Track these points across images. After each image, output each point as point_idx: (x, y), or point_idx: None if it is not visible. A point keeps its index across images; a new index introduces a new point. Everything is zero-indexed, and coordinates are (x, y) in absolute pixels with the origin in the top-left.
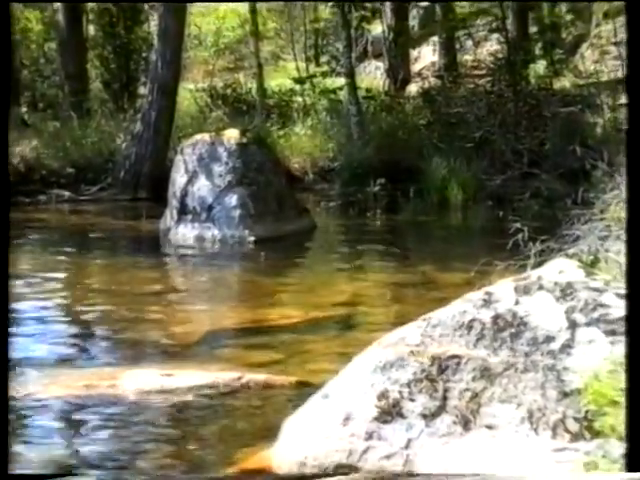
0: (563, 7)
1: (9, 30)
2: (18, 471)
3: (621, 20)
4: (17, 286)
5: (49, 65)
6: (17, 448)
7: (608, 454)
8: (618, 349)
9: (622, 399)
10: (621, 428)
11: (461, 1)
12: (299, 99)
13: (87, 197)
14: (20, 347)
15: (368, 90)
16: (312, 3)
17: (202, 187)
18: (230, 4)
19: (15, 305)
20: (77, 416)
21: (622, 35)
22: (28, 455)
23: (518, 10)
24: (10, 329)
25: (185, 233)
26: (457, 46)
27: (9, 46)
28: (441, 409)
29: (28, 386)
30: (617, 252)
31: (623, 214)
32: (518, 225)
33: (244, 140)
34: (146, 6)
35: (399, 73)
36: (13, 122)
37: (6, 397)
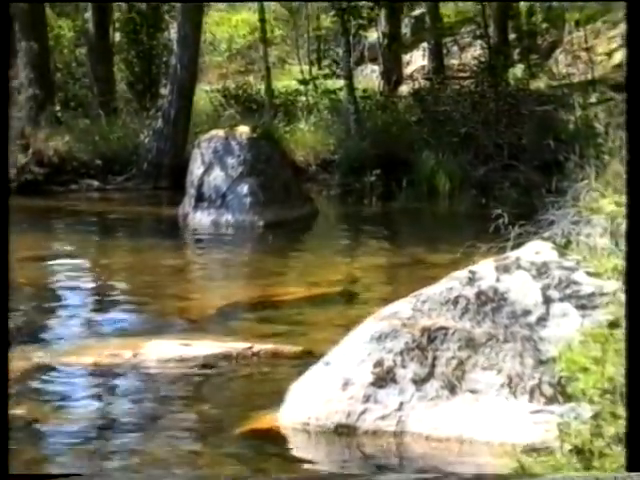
0: (539, 16)
1: (8, 30)
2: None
3: (590, 27)
4: (51, 264)
5: (80, 68)
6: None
7: (579, 416)
8: (588, 322)
9: (592, 366)
10: (591, 392)
11: (455, 0)
12: (303, 99)
13: (114, 186)
14: (55, 317)
15: (365, 91)
16: (315, 13)
17: (217, 177)
18: (242, 14)
19: (50, 280)
20: (105, 382)
21: (592, 41)
22: (66, 415)
23: (499, 19)
24: (9, 329)
25: (201, 218)
26: (444, 51)
27: (8, 46)
28: (430, 375)
29: (60, 355)
30: (587, 235)
31: (594, 203)
32: (499, 211)
33: (254, 135)
34: (166, 15)
35: (392, 75)
36: (48, 120)
37: (6, 397)
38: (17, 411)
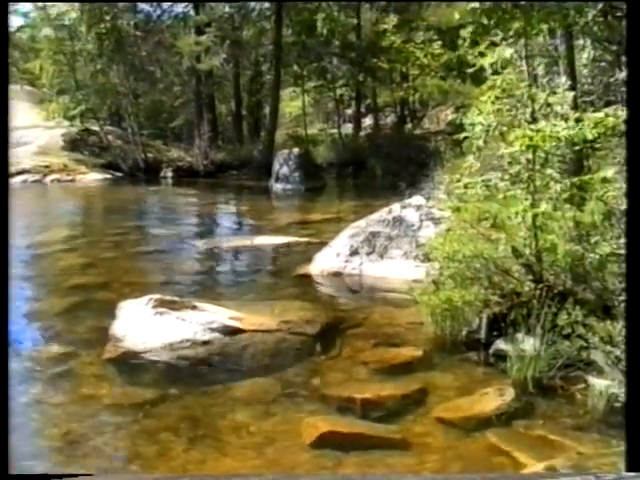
0: (417, 104)
1: (7, 30)
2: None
3: (439, 107)
4: (217, 207)
5: (228, 125)
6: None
7: (434, 267)
8: (438, 229)
9: (439, 247)
10: (439, 258)
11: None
12: (320, 137)
13: (242, 174)
14: (215, 228)
15: (346, 134)
16: (325, 102)
17: (284, 169)
18: (295, 102)
19: (215, 214)
20: (236, 254)
21: (440, 114)
22: (219, 268)
23: (400, 105)
24: (9, 327)
25: (278, 187)
26: (378, 118)
27: (7, 46)
28: (372, 251)
29: (216, 243)
30: (438, 194)
31: (441, 180)
32: (402, 184)
33: (301, 152)
34: (264, 103)
35: (357, 128)
36: (214, 146)
37: (6, 397)
38: (200, 266)
